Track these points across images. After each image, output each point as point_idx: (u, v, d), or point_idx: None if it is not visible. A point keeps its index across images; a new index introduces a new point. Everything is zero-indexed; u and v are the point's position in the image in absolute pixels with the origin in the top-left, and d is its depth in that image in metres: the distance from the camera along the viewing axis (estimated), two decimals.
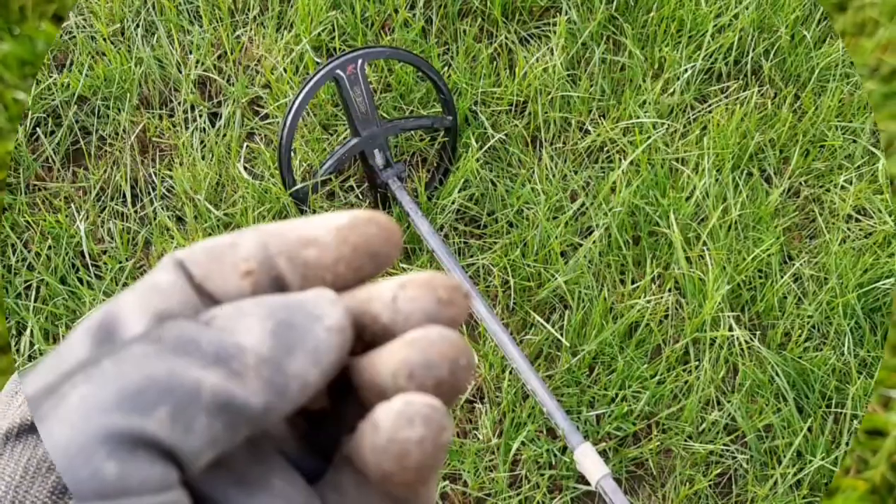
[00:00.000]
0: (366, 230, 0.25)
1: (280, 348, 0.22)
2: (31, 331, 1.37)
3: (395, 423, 0.22)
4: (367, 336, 0.25)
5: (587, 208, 1.55)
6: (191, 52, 1.65)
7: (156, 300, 0.23)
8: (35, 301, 1.41)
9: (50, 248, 1.45)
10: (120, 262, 1.45)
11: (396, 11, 1.67)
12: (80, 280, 1.43)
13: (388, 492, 0.24)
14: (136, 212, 1.52)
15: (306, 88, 1.36)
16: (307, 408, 0.24)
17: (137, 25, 1.66)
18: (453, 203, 1.53)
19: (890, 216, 1.57)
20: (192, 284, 0.24)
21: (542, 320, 1.44)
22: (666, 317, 1.47)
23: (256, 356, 0.22)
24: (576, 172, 1.60)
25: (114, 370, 0.21)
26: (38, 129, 1.57)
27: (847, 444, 1.38)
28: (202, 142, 1.57)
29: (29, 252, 1.46)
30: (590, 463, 1.23)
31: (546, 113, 1.62)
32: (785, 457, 1.37)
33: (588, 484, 1.27)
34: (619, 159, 1.59)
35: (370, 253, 0.25)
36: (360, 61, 1.39)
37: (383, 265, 0.25)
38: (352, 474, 0.24)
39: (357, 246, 0.25)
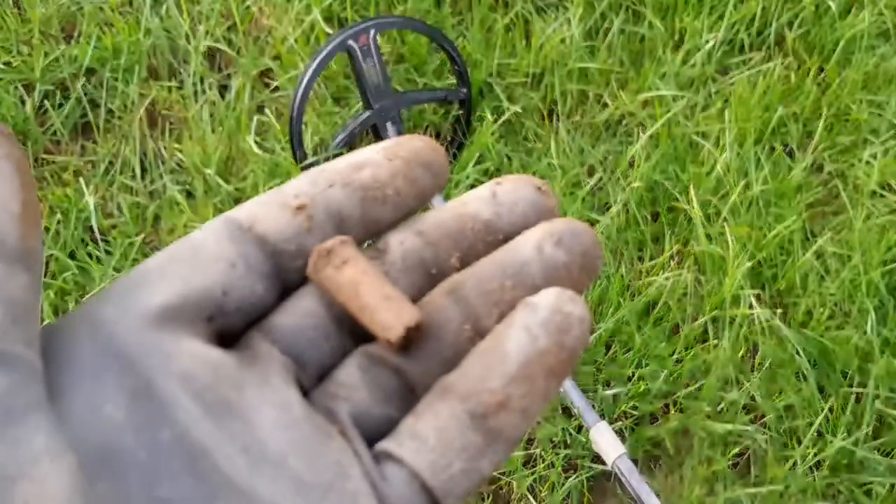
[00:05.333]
0: (412, 144, 0.25)
1: None
2: (41, 307, 1.36)
3: (559, 298, 0.22)
4: (466, 241, 0.24)
5: (605, 183, 1.52)
6: (200, 23, 1.62)
7: (191, 277, 0.22)
8: (44, 276, 1.40)
9: (59, 222, 1.44)
10: (129, 238, 1.43)
11: None
12: (90, 255, 1.42)
13: (484, 417, 0.22)
14: (145, 186, 1.50)
15: (317, 60, 1.33)
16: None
17: None
18: (468, 178, 1.50)
19: None
20: (242, 238, 0.22)
21: None
22: (685, 294, 1.44)
23: None
24: (593, 146, 1.56)
25: None
26: (45, 101, 1.55)
27: (868, 424, 1.35)
28: (212, 114, 1.55)
29: None
30: (606, 442, 1.22)
31: (563, 85, 1.59)
32: (805, 437, 1.34)
33: (604, 463, 1.25)
34: (638, 133, 1.56)
35: (423, 163, 0.24)
36: (372, 32, 1.36)
37: (439, 177, 0.25)
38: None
39: (408, 158, 0.24)
